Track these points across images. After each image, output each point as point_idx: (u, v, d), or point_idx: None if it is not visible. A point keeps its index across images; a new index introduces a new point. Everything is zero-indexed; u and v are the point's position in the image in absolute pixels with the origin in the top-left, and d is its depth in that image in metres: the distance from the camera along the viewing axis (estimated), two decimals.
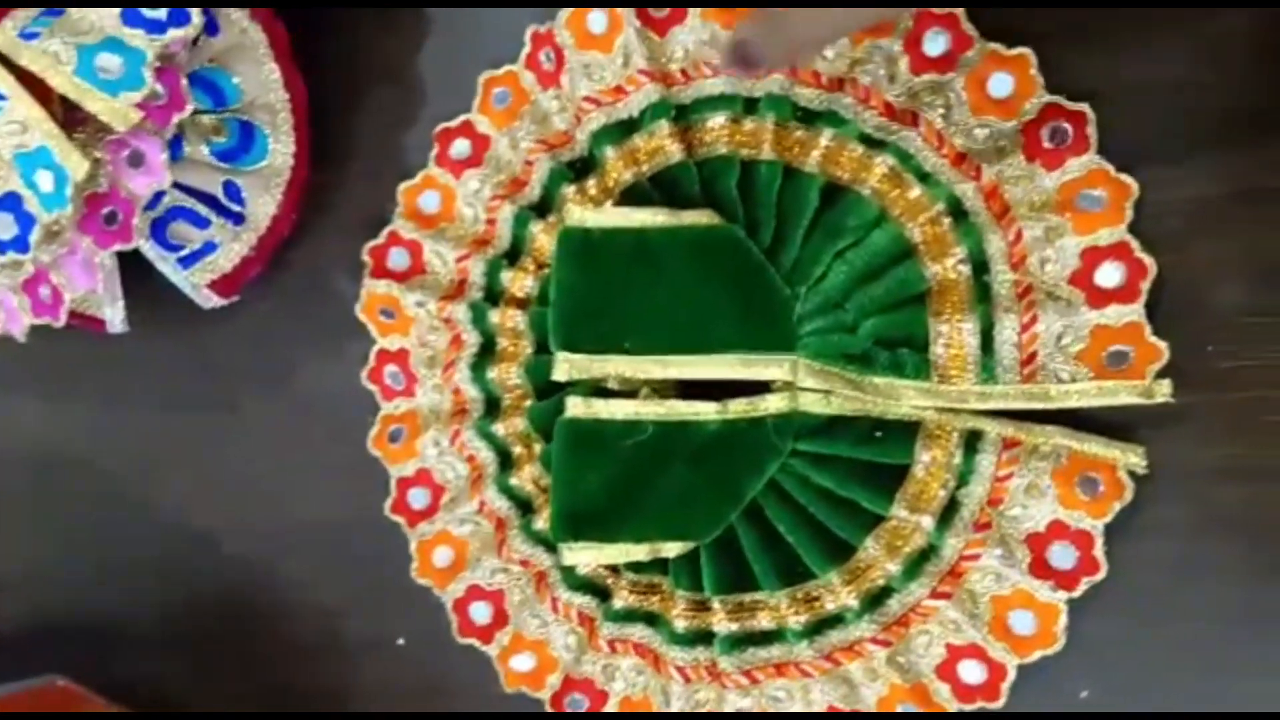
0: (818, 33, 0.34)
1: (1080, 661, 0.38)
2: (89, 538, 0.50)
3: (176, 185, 0.44)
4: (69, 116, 0.42)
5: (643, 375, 0.40)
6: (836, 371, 0.39)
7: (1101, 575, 0.38)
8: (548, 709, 0.43)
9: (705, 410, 0.40)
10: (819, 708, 0.40)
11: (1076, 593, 0.38)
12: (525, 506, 0.43)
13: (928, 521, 0.38)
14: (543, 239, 0.43)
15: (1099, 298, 0.38)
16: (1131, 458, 0.38)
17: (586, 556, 0.41)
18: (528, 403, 0.43)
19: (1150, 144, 0.38)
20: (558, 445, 0.41)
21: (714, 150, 0.41)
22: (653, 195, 0.41)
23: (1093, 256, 0.38)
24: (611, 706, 0.42)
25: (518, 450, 0.43)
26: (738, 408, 0.40)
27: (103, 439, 0.50)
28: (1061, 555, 0.38)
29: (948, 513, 0.39)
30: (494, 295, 0.44)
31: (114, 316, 0.45)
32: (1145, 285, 0.37)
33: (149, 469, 0.49)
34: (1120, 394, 0.38)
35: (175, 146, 0.43)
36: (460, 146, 0.44)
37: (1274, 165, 0.37)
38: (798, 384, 0.40)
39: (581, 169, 0.43)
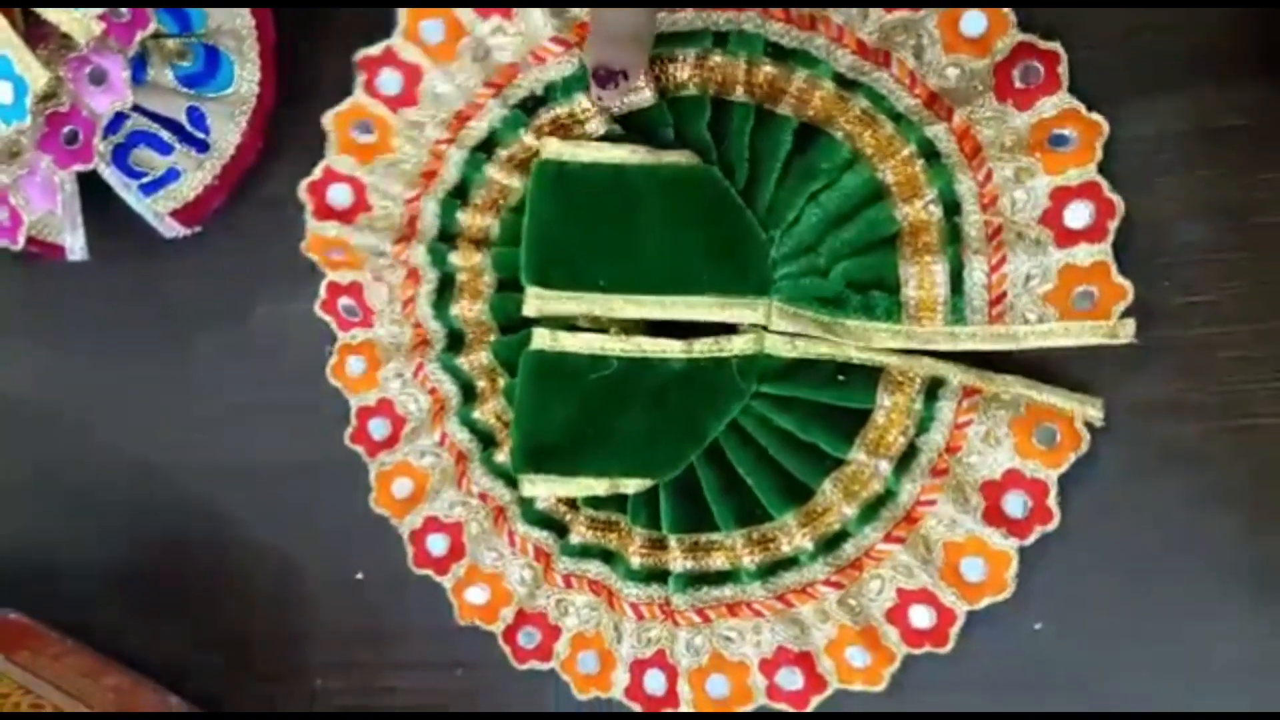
0: (631, 23, 0.36)
1: (1033, 604, 0.38)
2: (39, 476, 0.49)
3: (140, 110, 0.43)
4: (31, 33, 0.41)
5: (616, 314, 0.40)
6: (809, 315, 0.39)
7: (1054, 525, 0.38)
8: (500, 643, 0.43)
9: (671, 348, 0.40)
10: (769, 648, 0.40)
11: (1028, 541, 0.38)
12: (487, 440, 0.43)
13: (885, 466, 0.38)
14: (499, 177, 0.42)
15: (1067, 237, 0.38)
16: (1090, 410, 0.37)
17: (546, 489, 0.40)
18: (492, 337, 0.42)
19: (1118, 82, 0.38)
20: (522, 377, 0.40)
21: (685, 89, 0.41)
22: (629, 138, 0.41)
23: (1062, 196, 0.38)
24: (563, 642, 0.42)
25: (481, 384, 0.43)
26: (703, 347, 0.40)
27: (53, 376, 0.49)
28: (1015, 504, 0.38)
29: (906, 458, 0.39)
30: (449, 235, 0.43)
31: (74, 243, 0.44)
32: (1113, 224, 0.37)
33: (101, 406, 0.48)
34: (1086, 334, 0.37)
35: (139, 69, 0.43)
36: (388, 78, 0.43)
37: (1237, 104, 0.37)
38: (771, 327, 0.39)
39: (533, 106, 0.42)
